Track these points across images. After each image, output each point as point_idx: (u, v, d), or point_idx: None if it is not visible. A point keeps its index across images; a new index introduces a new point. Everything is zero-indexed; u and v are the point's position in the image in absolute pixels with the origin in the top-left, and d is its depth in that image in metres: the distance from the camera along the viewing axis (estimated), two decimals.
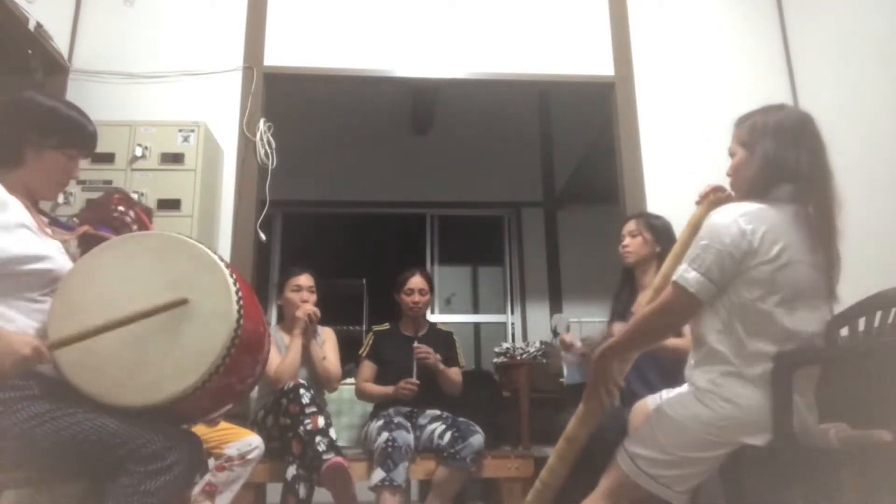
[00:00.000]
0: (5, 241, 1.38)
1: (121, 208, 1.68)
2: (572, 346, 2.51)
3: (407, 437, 2.50)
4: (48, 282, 1.45)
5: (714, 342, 1.54)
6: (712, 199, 1.73)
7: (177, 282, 1.45)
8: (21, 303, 1.42)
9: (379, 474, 2.37)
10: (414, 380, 2.77)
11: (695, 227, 1.66)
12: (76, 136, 1.55)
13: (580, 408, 1.76)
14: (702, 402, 1.52)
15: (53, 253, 1.48)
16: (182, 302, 1.39)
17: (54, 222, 1.61)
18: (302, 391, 2.44)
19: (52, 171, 1.54)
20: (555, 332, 4.33)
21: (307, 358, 2.75)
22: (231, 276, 1.46)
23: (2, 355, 1.28)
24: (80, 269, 1.49)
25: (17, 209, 1.45)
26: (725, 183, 1.75)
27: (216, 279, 1.45)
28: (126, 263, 1.48)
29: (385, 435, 2.46)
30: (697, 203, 1.81)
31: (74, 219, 1.64)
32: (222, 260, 1.49)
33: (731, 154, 1.73)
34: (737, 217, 1.52)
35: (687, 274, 1.51)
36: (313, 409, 2.41)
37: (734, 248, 1.49)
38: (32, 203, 1.56)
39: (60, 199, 2.65)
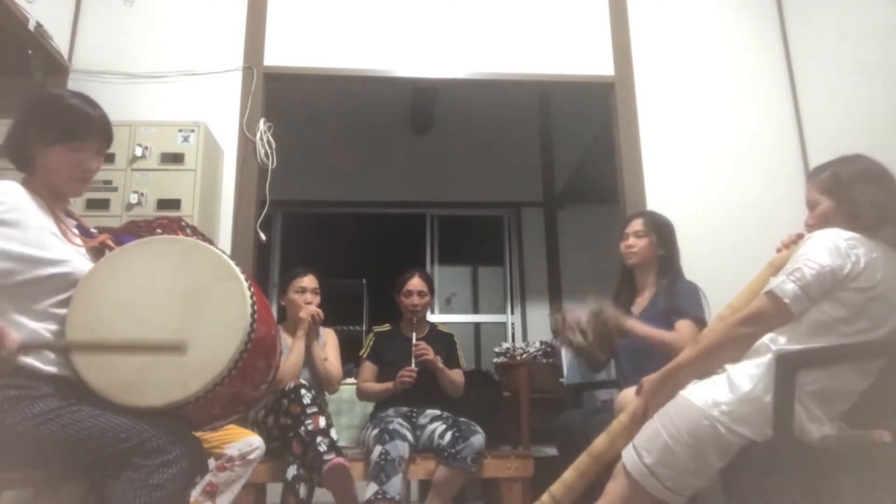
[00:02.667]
0: (22, 247, 1.39)
1: (159, 231, 1.67)
2: (578, 324, 2.24)
3: (401, 447, 2.48)
4: (67, 285, 1.45)
5: (765, 343, 1.55)
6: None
7: (195, 287, 1.46)
8: (38, 307, 1.42)
9: (373, 488, 2.37)
10: (412, 367, 2.76)
11: (777, 269, 1.65)
12: (76, 126, 1.51)
13: (615, 424, 1.73)
14: (718, 385, 1.53)
15: (71, 257, 1.48)
16: (178, 347, 1.36)
17: (80, 228, 1.60)
18: (303, 391, 2.45)
19: (61, 168, 1.50)
20: (555, 332, 4.33)
21: (309, 359, 2.75)
22: (249, 289, 1.47)
23: None
24: (106, 263, 1.50)
25: (31, 213, 1.45)
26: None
27: (233, 292, 1.46)
28: (150, 264, 1.50)
29: (378, 448, 2.45)
30: (779, 250, 1.82)
31: (93, 229, 1.64)
32: (243, 272, 1.50)
33: (813, 203, 1.72)
34: (844, 239, 1.54)
35: (785, 286, 1.52)
36: (314, 409, 2.41)
37: (837, 269, 1.51)
38: (58, 203, 1.56)
39: None
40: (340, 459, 2.30)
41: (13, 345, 1.32)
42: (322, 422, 2.39)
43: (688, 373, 1.64)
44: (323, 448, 2.32)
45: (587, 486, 1.72)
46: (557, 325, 2.34)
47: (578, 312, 2.28)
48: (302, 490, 2.36)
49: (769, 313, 1.54)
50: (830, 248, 1.53)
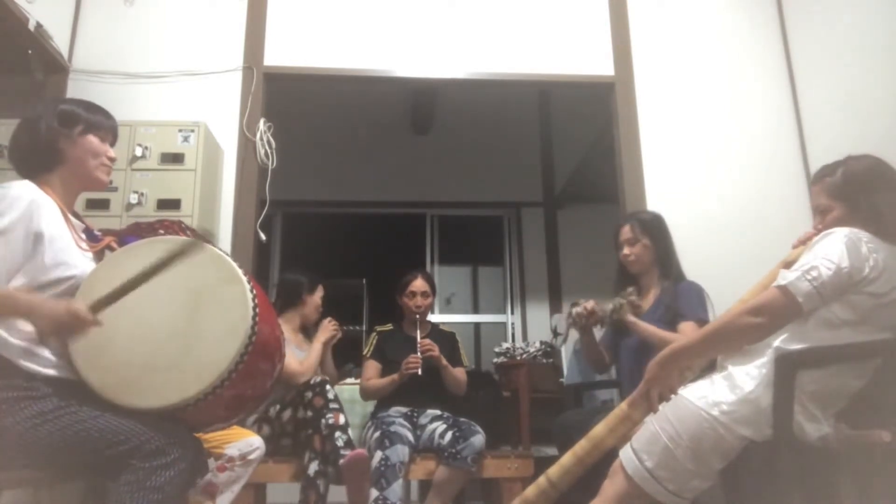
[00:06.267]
0: (29, 252, 1.41)
1: (161, 231, 1.69)
2: (594, 312, 2.36)
3: (401, 451, 2.49)
4: (71, 290, 1.45)
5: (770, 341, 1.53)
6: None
7: (197, 289, 1.46)
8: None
9: (373, 494, 2.39)
10: (417, 355, 2.77)
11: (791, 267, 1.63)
12: (97, 118, 1.63)
13: (616, 410, 1.71)
14: (718, 385, 1.52)
15: (78, 261, 1.49)
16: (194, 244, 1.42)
17: (86, 231, 1.62)
18: (328, 387, 2.51)
19: (91, 154, 1.60)
20: (555, 332, 4.33)
21: (320, 363, 2.83)
22: (251, 291, 1.47)
23: (39, 320, 1.34)
24: (109, 263, 1.51)
25: (49, 214, 1.47)
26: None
27: (235, 294, 1.46)
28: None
29: (379, 454, 2.47)
30: (795, 246, 1.76)
31: (97, 231, 1.66)
32: (246, 274, 1.51)
33: (824, 209, 1.67)
34: (865, 241, 1.51)
35: (800, 283, 1.47)
36: (336, 405, 2.48)
37: (854, 271, 1.47)
38: (69, 205, 1.59)
39: None
40: (361, 451, 2.37)
41: (89, 315, 1.38)
42: (342, 419, 2.46)
43: (691, 356, 1.60)
44: (340, 443, 2.39)
45: (584, 471, 1.70)
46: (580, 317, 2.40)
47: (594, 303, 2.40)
48: (321, 486, 2.39)
49: (779, 308, 1.49)
50: (850, 248, 1.49)
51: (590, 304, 2.39)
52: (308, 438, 2.45)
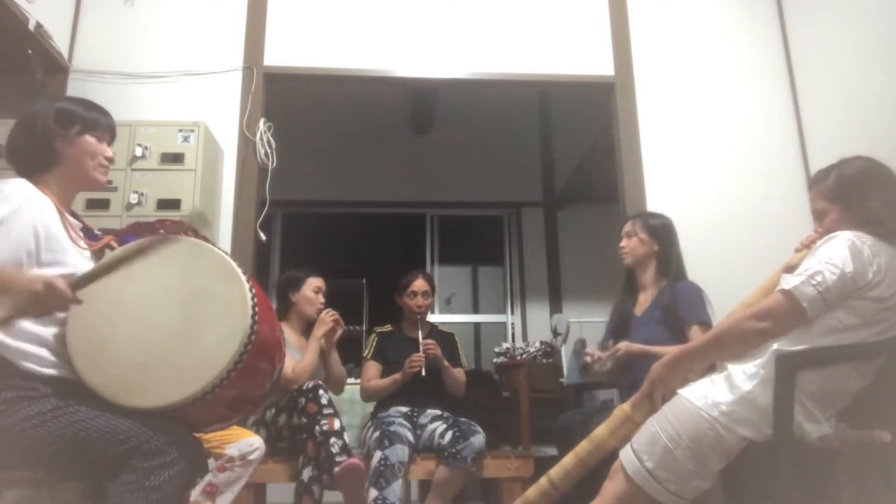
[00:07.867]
0: (25, 249, 1.40)
1: (161, 231, 1.69)
2: (600, 358, 2.33)
3: (401, 451, 2.48)
4: None
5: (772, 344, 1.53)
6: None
7: (196, 288, 1.46)
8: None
9: (372, 493, 2.39)
10: (420, 353, 2.77)
11: (794, 270, 1.62)
12: (95, 118, 1.61)
13: (618, 411, 1.71)
14: (717, 385, 1.52)
15: (75, 260, 1.49)
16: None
17: (85, 230, 1.62)
18: (321, 392, 2.45)
19: (88, 155, 1.59)
20: (555, 332, 4.33)
21: (323, 362, 2.75)
22: (250, 290, 1.47)
23: (16, 294, 1.31)
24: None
25: (44, 213, 1.47)
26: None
27: (234, 293, 1.46)
28: (152, 264, 1.50)
29: (378, 454, 2.46)
30: (798, 250, 1.75)
31: (97, 231, 1.66)
32: (245, 273, 1.50)
33: (821, 213, 1.68)
34: (867, 245, 1.51)
35: (805, 287, 1.48)
36: (330, 410, 2.43)
37: (859, 276, 1.47)
38: (67, 204, 1.59)
39: None
40: (355, 460, 2.32)
41: (67, 290, 1.34)
42: (337, 423, 2.41)
43: (695, 360, 1.62)
44: (335, 449, 2.33)
45: (585, 472, 1.71)
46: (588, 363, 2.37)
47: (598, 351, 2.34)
48: (316, 491, 2.38)
49: (784, 313, 1.50)
50: (853, 252, 1.49)
51: (594, 353, 2.35)
52: (303, 443, 2.42)
